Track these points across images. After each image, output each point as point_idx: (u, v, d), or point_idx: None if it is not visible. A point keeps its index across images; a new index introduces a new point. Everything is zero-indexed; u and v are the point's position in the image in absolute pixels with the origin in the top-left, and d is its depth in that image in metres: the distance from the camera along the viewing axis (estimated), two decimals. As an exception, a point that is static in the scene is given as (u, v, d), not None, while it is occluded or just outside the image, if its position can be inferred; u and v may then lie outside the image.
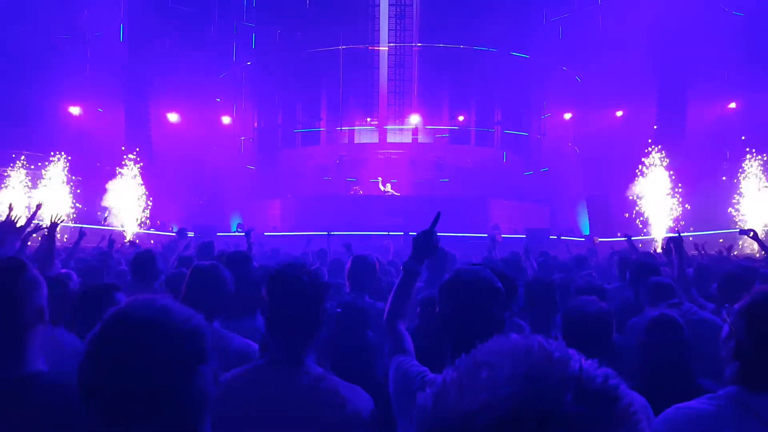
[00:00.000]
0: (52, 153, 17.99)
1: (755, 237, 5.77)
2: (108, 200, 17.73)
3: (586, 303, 2.29)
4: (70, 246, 6.40)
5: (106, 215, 16.27)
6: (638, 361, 2.41)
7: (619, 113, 21.21)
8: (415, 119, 23.15)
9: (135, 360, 0.93)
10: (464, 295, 1.69)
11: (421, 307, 3.08)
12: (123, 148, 19.00)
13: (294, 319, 1.75)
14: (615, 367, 0.53)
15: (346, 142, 24.06)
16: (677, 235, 4.18)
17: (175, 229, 10.77)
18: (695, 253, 7.56)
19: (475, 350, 0.54)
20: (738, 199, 17.42)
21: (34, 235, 4.45)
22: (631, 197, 17.96)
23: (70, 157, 18.12)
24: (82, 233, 6.16)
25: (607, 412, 0.47)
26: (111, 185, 18.04)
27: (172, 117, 22.65)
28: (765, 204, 16.96)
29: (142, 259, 4.30)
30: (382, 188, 20.05)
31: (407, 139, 23.66)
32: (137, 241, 7.55)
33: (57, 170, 17.94)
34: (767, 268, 5.20)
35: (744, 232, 6.18)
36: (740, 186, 17.48)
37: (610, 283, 5.34)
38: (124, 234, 16.51)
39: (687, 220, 17.52)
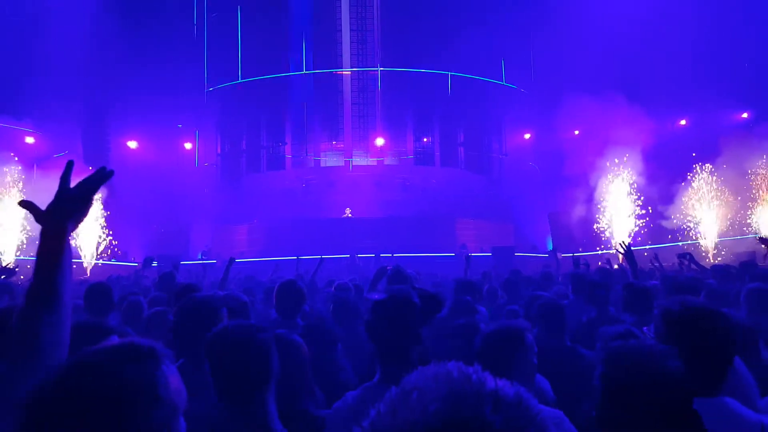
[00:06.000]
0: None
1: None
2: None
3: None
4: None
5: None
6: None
7: (576, 132, 21.90)
8: (380, 142, 23.35)
9: None
10: (384, 312, 1.94)
11: None
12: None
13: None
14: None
15: (312, 166, 24.04)
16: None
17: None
18: (657, 264, 7.80)
19: (403, 381, 0.63)
20: (692, 210, 18.13)
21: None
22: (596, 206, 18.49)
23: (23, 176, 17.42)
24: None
25: (520, 418, 0.57)
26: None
27: (132, 144, 22.24)
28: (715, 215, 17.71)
29: (95, 290, 4.13)
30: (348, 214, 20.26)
31: (373, 161, 23.82)
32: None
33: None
34: (713, 279, 5.40)
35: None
36: (690, 198, 18.21)
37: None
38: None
39: (647, 232, 18.11)
